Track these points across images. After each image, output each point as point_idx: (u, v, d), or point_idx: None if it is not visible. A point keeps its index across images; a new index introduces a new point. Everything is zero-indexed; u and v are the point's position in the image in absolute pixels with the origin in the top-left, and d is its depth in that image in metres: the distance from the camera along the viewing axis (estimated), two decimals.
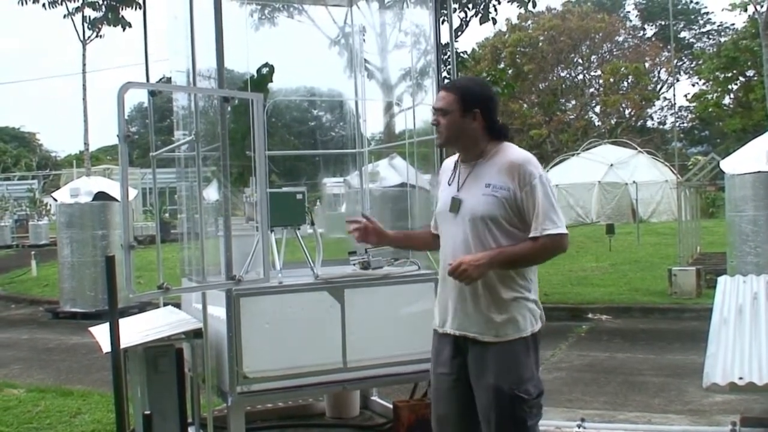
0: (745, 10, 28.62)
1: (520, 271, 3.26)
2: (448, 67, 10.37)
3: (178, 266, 5.27)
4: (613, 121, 44.84)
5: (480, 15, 13.63)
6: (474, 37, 57.17)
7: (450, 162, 3.56)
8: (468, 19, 13.66)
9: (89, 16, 15.04)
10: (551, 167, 31.55)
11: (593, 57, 46.52)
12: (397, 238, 3.89)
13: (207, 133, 4.33)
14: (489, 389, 3.21)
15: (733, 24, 42.91)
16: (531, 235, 3.19)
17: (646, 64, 44.99)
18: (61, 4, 15.48)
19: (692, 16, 47.96)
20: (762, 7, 19.47)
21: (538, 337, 3.32)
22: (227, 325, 4.29)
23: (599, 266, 15.73)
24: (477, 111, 3.33)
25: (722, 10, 59.33)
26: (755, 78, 33.24)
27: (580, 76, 46.84)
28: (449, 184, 3.45)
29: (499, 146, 3.35)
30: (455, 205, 3.34)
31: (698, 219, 17.76)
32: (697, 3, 48.34)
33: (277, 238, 4.93)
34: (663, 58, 45.09)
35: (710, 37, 47.40)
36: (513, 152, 3.32)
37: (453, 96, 3.36)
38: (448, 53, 6.91)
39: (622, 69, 43.06)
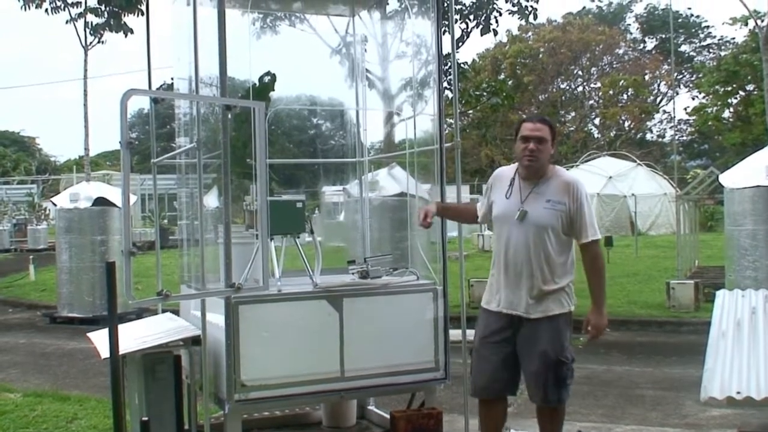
0: (746, 25, 28.85)
1: (566, 268, 4.17)
2: (449, 77, 10.45)
3: (176, 272, 5.25)
4: (612, 134, 44.90)
5: (481, 26, 13.69)
6: (475, 48, 57.40)
7: (504, 173, 4.38)
8: (469, 30, 13.73)
9: (91, 22, 14.98)
10: None
11: (593, 69, 46.62)
12: (447, 209, 4.76)
13: (208, 140, 4.34)
14: (540, 355, 4.11)
15: (734, 38, 43.23)
16: (581, 241, 4.15)
17: (646, 77, 45.08)
18: (64, 10, 15.46)
19: (693, 30, 48.10)
20: (762, 21, 19.51)
21: (571, 317, 4.24)
22: (226, 332, 4.29)
23: None
24: (554, 141, 4.30)
25: (723, 24, 59.47)
26: (755, 92, 33.35)
27: (580, 88, 46.94)
28: (507, 197, 4.24)
29: (554, 169, 4.27)
30: (522, 215, 4.15)
31: (697, 232, 17.77)
32: (697, 17, 48.56)
33: (277, 246, 4.94)
34: (663, 71, 45.21)
35: (710, 50, 47.57)
36: (566, 175, 4.31)
37: (547, 128, 4.23)
38: (449, 64, 6.93)
39: (621, 82, 43.14)
